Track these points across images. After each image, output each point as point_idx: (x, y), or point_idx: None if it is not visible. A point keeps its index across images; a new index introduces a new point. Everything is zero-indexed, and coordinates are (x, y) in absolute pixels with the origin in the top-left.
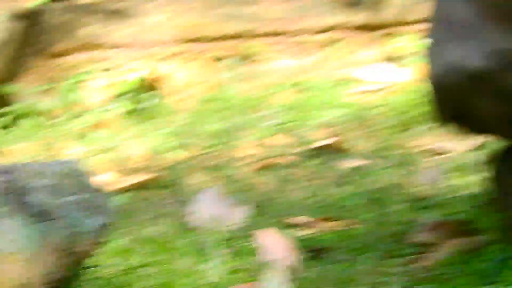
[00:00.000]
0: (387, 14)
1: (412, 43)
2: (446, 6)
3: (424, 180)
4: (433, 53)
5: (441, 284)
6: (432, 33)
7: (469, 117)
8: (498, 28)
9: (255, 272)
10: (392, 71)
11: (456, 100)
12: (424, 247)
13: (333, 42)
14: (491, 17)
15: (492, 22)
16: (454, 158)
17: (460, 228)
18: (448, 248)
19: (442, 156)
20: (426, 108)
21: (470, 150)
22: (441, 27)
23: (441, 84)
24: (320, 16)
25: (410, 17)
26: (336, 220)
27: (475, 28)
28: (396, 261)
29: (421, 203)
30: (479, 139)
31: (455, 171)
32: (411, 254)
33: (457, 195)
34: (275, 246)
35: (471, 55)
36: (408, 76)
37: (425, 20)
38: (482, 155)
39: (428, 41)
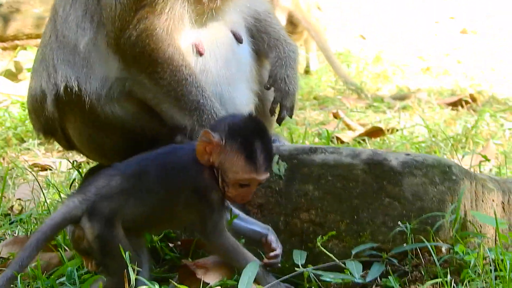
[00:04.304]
0: (15, 26)
1: (32, 58)
2: (74, 34)
3: (19, 195)
4: (40, 72)
5: None
6: (47, 53)
7: (57, 135)
8: (114, 59)
9: None
10: (12, 85)
11: (47, 119)
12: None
13: None
14: (110, 49)
15: (111, 54)
16: (56, 174)
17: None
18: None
19: (46, 171)
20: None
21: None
22: (62, 51)
23: (36, 101)
24: None
25: (36, 31)
26: None
27: (94, 56)
28: None
29: (11, 217)
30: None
31: (52, 187)
32: None
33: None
34: None
35: (84, 78)
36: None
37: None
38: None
39: (40, 58)
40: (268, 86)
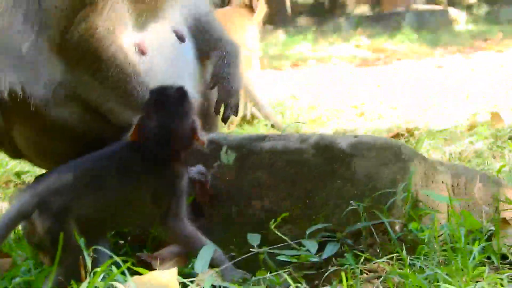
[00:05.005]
0: None
1: None
2: (16, 38)
3: None
4: None
5: None
6: None
7: (5, 143)
8: (58, 62)
9: None
10: None
11: None
12: None
13: None
14: (54, 52)
15: (54, 56)
16: None
17: None
18: None
19: None
20: None
21: None
22: (5, 56)
23: None
24: None
25: None
26: None
27: (37, 60)
28: None
29: None
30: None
31: None
32: None
33: None
34: None
35: (29, 83)
36: None
37: None
38: None
39: None
40: (211, 85)
